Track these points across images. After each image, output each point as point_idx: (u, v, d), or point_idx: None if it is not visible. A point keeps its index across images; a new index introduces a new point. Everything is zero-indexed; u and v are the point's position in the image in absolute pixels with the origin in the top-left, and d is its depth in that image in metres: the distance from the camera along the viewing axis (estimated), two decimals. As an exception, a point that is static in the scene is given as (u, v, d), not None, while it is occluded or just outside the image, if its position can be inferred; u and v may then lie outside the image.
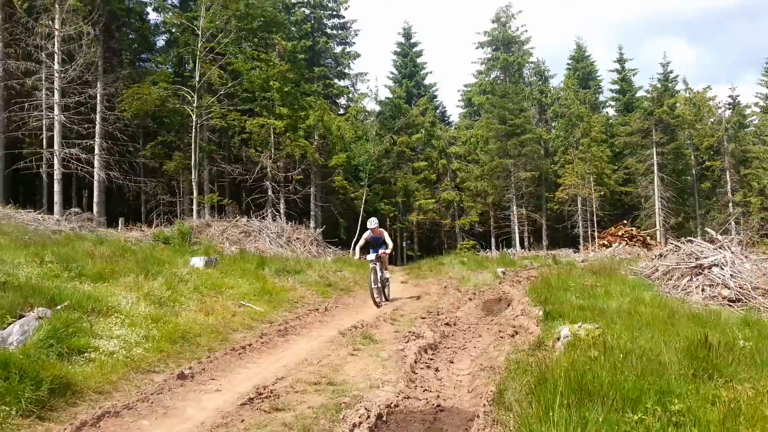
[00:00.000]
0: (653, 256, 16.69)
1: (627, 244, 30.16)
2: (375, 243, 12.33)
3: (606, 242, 31.87)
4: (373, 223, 12.38)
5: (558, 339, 6.70)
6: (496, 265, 21.10)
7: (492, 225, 39.94)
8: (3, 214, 16.20)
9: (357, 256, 12.49)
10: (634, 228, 34.65)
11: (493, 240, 39.72)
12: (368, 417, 5.37)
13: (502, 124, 38.23)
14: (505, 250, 34.97)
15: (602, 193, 38.14)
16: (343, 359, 7.46)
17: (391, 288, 15.00)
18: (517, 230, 38.29)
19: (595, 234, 36.40)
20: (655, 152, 39.43)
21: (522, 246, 38.05)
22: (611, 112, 48.78)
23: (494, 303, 13.18)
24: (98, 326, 6.94)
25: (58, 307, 6.85)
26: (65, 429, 4.63)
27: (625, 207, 42.13)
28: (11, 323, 6.06)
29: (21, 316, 6.28)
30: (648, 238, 33.39)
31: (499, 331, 9.29)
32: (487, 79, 45.24)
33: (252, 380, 6.31)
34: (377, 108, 39.18)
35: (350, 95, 39.14)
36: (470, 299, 13.52)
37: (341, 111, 38.14)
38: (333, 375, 6.69)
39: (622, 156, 43.24)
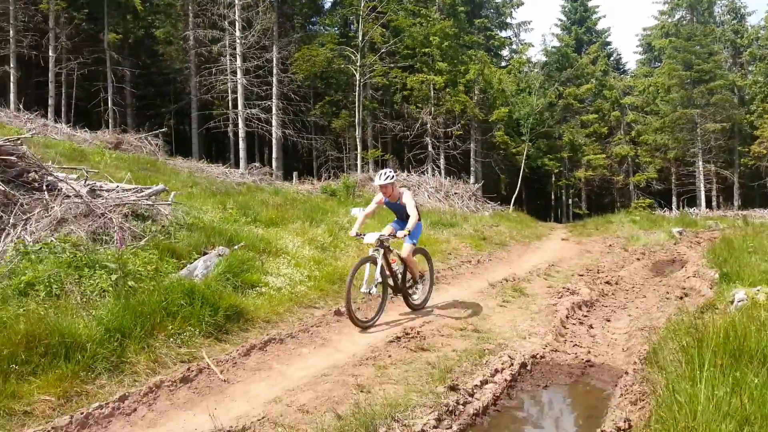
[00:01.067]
0: None
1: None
2: (396, 212, 7.20)
3: (814, 202, 27.34)
4: (383, 177, 6.80)
5: (732, 302, 6.02)
6: (673, 225, 19.31)
7: (673, 182, 36.25)
8: (197, 168, 18.51)
9: (354, 231, 6.83)
10: None
11: (674, 199, 36.12)
12: (511, 364, 5.38)
13: (687, 70, 34.07)
14: (686, 209, 31.63)
15: (811, 145, 32.49)
16: (491, 309, 7.49)
17: (547, 248, 14.33)
18: (702, 188, 34.33)
19: (801, 193, 31.36)
20: None
21: (708, 206, 34.13)
22: (826, 51, 40.79)
23: (665, 264, 12.21)
24: (268, 265, 7.72)
25: (235, 247, 7.73)
26: (238, 350, 5.29)
27: (842, 161, 35.52)
28: (197, 259, 7.00)
29: (204, 253, 7.22)
30: None
31: (667, 292, 8.61)
32: (670, 20, 40.38)
33: (400, 321, 6.60)
34: (543, 58, 37.16)
35: (512, 46, 37.54)
36: (638, 259, 12.64)
37: (503, 63, 36.79)
38: (479, 323, 6.75)
39: (839, 102, 36.21)
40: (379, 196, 7.00)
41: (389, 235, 6.72)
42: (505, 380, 5.09)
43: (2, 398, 3.81)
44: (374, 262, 6.55)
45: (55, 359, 4.30)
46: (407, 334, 6.03)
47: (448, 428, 4.16)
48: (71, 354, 4.38)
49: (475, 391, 4.79)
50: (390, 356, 5.44)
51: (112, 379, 4.42)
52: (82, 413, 3.82)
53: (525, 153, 30.76)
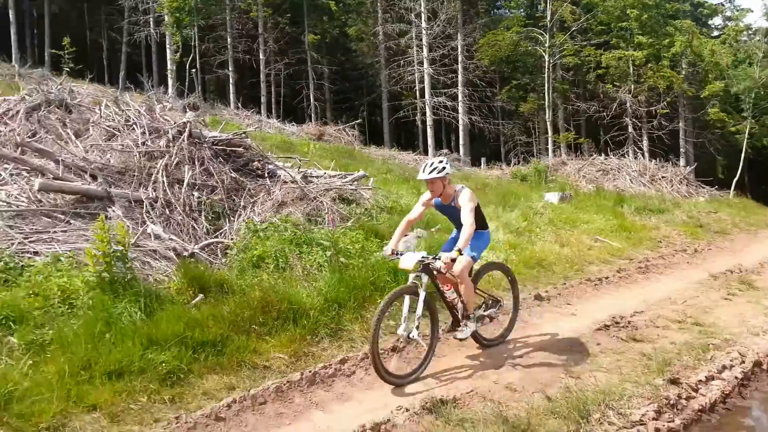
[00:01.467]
0: None
1: None
2: (451, 218, 5.25)
3: None
4: (429, 168, 4.77)
5: None
6: None
7: None
8: (389, 155, 19.42)
9: (389, 248, 4.85)
10: None
11: None
12: (742, 362, 4.84)
13: None
14: None
15: None
16: (713, 302, 6.74)
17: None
18: None
19: None
20: None
21: None
22: None
23: None
24: (464, 247, 7.80)
25: (432, 230, 8.00)
26: (441, 327, 5.36)
27: None
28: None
29: (404, 235, 7.52)
30: None
31: None
32: None
33: (607, 310, 6.22)
34: (765, 24, 31.96)
35: (725, 14, 32.85)
36: None
37: (715, 33, 32.41)
38: (700, 316, 6.12)
39: None
40: (427, 195, 4.99)
41: (435, 259, 4.51)
42: (736, 378, 4.58)
43: (247, 353, 4.40)
44: (415, 293, 4.46)
45: (285, 323, 4.86)
46: (617, 323, 5.69)
47: (669, 421, 3.85)
48: (298, 319, 4.90)
49: (699, 386, 4.39)
50: (599, 344, 5.18)
51: (332, 343, 4.86)
52: (310, 371, 4.25)
53: (747, 132, 26.79)
